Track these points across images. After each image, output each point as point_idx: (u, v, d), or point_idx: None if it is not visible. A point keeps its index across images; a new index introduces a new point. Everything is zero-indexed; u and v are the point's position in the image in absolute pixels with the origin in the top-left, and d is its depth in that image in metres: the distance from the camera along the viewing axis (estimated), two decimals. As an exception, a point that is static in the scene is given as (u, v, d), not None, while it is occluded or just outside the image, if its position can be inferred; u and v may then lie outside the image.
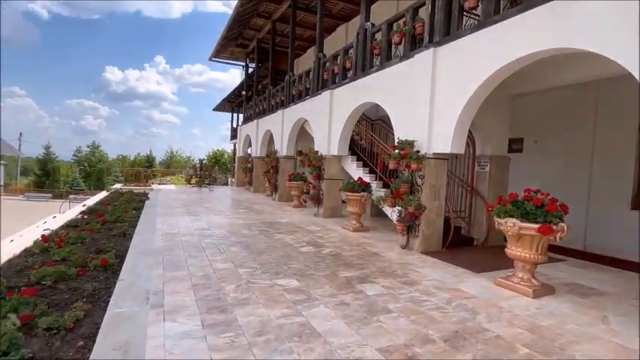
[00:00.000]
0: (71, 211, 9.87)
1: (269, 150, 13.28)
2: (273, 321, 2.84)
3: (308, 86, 10.10)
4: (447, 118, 4.97)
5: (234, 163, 22.46)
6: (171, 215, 8.05)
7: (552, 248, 4.35)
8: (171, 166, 44.13)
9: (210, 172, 20.15)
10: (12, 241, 6.41)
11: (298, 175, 10.28)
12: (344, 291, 3.57)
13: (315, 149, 8.83)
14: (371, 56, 7.08)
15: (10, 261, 4.24)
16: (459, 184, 6.63)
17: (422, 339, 2.64)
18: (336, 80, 8.42)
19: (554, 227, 3.42)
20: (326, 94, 8.61)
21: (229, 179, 22.94)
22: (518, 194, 3.74)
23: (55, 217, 9.52)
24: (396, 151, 5.42)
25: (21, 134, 45.92)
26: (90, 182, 40.52)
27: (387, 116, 6.59)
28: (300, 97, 10.59)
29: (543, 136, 6.94)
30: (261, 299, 3.28)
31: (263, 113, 14.45)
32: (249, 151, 17.17)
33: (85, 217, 7.27)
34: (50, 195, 32.65)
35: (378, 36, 6.95)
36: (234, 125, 25.07)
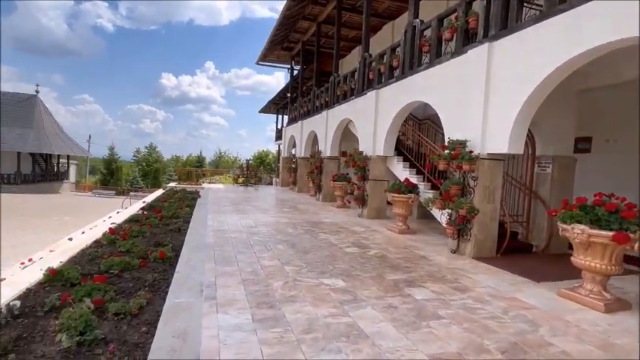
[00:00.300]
0: (132, 207, 10.73)
1: (313, 151, 13.43)
2: (320, 319, 2.85)
3: (353, 86, 10.07)
4: (503, 117, 4.68)
5: (279, 163, 23.02)
6: (220, 213, 8.43)
7: (629, 260, 3.91)
8: (220, 166, 46.27)
9: (255, 172, 20.83)
10: (83, 232, 7.10)
11: (342, 176, 10.27)
12: (391, 294, 3.50)
13: (360, 150, 8.77)
14: (419, 54, 6.88)
15: (83, 251, 4.70)
16: (516, 186, 6.21)
17: (476, 348, 2.50)
18: (382, 80, 8.29)
19: (632, 235, 3.07)
20: (371, 94, 8.51)
21: (274, 179, 23.54)
22: (587, 198, 3.41)
23: (118, 212, 10.41)
24: (447, 151, 5.21)
25: (90, 137, 50.80)
26: (147, 181, 43.77)
27: (436, 115, 6.35)
28: (345, 97, 10.58)
29: (617, 135, 6.27)
30: (307, 297, 3.32)
31: (307, 114, 14.65)
32: (293, 151, 17.50)
33: (145, 212, 7.85)
34: (114, 192, 35.78)
35: (428, 33, 6.74)
36: (279, 126, 25.71)
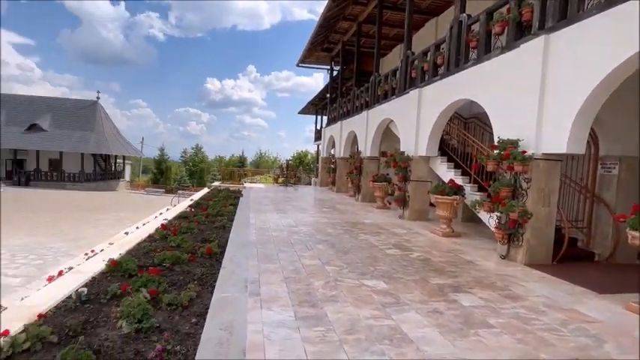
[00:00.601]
0: (180, 204, 11.34)
1: (352, 151, 13.36)
2: (362, 321, 2.82)
3: (394, 85, 9.88)
4: (562, 114, 4.34)
5: (318, 163, 23.19)
6: (262, 212, 8.65)
7: None
8: (260, 166, 47.56)
9: (295, 172, 21.16)
10: (137, 228, 7.63)
11: (382, 176, 10.12)
12: (436, 298, 3.38)
13: (401, 150, 8.58)
14: (466, 50, 6.59)
15: (138, 244, 5.04)
16: (576, 189, 5.74)
17: (532, 362, 2.34)
18: (426, 78, 8.05)
19: None
20: (414, 92, 8.30)
21: (312, 179, 23.75)
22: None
23: (168, 209, 11.05)
24: (496, 151, 4.93)
25: (143, 139, 54.68)
26: (193, 180, 46.08)
27: (483, 113, 6.05)
28: (386, 97, 10.41)
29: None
30: (349, 298, 3.30)
31: (347, 115, 14.61)
32: (332, 152, 17.54)
33: (192, 210, 8.26)
34: (163, 190, 38.10)
35: (475, 27, 6.43)
36: (318, 127, 25.90)
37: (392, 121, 9.96)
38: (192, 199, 11.26)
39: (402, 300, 3.31)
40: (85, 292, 3.04)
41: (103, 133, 36.67)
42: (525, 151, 4.64)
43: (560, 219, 4.97)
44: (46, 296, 3.08)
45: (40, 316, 2.62)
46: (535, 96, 4.67)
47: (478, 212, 5.61)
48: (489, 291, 3.66)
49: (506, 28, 5.46)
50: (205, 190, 14.82)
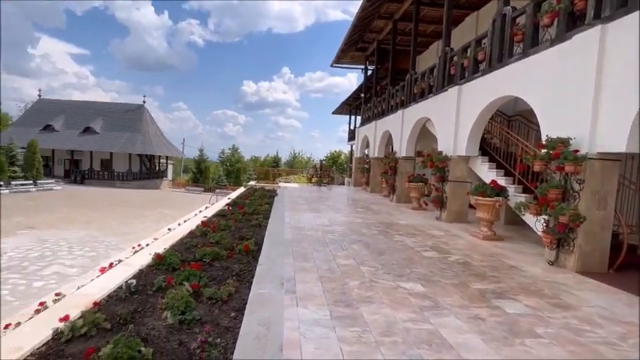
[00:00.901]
0: (218, 203, 11.74)
1: (387, 151, 13.14)
2: (399, 323, 2.76)
3: (432, 83, 9.59)
4: (621, 110, 3.98)
5: (351, 163, 23.06)
6: (296, 211, 8.74)
7: None
8: (294, 166, 48.15)
9: (328, 172, 21.18)
10: (179, 224, 7.99)
11: (418, 177, 9.86)
12: (477, 304, 3.23)
13: (439, 150, 8.31)
14: (510, 44, 6.25)
15: (181, 240, 5.27)
16: (637, 191, 5.25)
17: (587, 377, 2.16)
18: (466, 74, 7.73)
19: None
20: (453, 90, 8.00)
21: (345, 179, 23.67)
22: None
23: (207, 207, 11.48)
24: (544, 150, 4.63)
25: (184, 140, 57.41)
26: (230, 179, 47.60)
27: (529, 111, 5.71)
28: (423, 95, 10.13)
29: None
30: (385, 299, 3.24)
31: (382, 114, 14.40)
32: (366, 151, 17.37)
33: (230, 208, 8.52)
34: (202, 189, 39.71)
35: (521, 20, 6.08)
36: (352, 127, 25.76)
37: (429, 119, 9.67)
38: (229, 198, 11.62)
39: (440, 304, 3.19)
40: (134, 284, 3.22)
41: (148, 135, 38.91)
42: (577, 151, 4.31)
43: (618, 224, 4.57)
44: (100, 286, 3.30)
45: (95, 304, 2.82)
46: (589, 91, 4.32)
47: (523, 215, 5.29)
48: (536, 298, 3.43)
49: (556, 19, 5.10)
50: (241, 190, 15.24)
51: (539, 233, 4.86)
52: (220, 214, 7.63)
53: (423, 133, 10.64)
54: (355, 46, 17.22)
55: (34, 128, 37.17)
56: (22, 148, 30.42)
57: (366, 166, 16.10)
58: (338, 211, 9.23)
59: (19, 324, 2.60)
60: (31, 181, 28.10)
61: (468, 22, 12.32)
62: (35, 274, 9.02)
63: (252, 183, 19.17)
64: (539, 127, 5.29)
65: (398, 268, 4.26)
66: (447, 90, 8.36)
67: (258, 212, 7.95)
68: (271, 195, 11.76)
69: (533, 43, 5.63)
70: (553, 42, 5.12)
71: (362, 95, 19.23)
